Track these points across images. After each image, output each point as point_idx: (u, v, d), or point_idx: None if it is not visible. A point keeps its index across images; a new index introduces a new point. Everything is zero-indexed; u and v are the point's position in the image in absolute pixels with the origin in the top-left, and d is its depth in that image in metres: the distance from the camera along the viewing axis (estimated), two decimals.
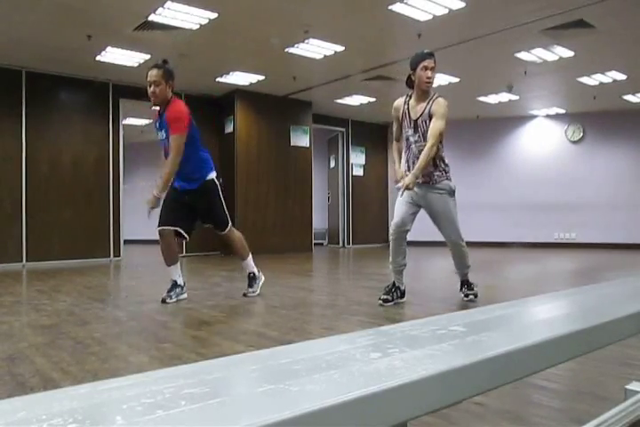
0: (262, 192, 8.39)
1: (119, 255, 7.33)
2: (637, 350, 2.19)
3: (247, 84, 7.70)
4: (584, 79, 7.37)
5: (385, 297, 3.35)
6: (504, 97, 8.52)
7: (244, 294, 3.78)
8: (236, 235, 3.79)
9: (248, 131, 8.27)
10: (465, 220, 12.07)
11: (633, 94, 8.24)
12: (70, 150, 6.95)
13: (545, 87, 8.02)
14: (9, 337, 2.57)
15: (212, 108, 8.37)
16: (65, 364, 2.10)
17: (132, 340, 2.55)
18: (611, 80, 7.38)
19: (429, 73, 3.29)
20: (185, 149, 3.36)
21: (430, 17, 5.11)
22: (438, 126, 3.24)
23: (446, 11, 4.97)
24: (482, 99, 8.65)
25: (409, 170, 3.40)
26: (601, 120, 9.53)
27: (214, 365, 0.63)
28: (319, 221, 10.28)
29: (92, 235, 7.07)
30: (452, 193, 3.44)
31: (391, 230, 3.42)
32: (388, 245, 3.48)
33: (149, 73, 3.37)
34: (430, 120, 3.30)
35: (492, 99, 8.65)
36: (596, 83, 7.51)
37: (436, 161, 3.35)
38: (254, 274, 3.84)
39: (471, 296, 3.57)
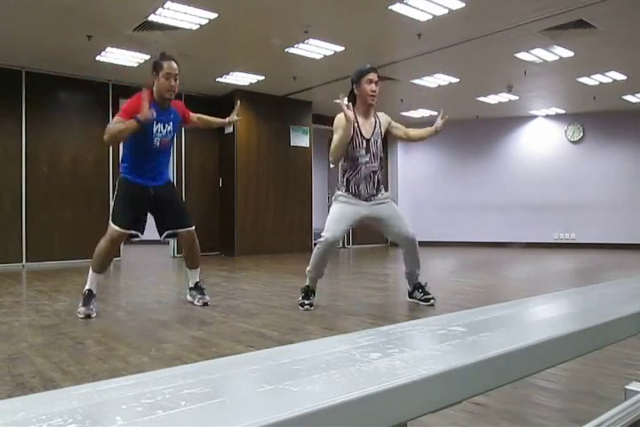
0: (262, 192, 8.38)
1: (119, 256, 7.33)
2: (637, 350, 2.19)
3: (247, 84, 7.70)
4: (584, 79, 7.37)
5: (308, 302, 3.37)
6: (504, 97, 8.52)
7: (205, 303, 3.49)
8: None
9: (248, 131, 8.26)
10: (465, 220, 12.04)
11: (633, 94, 8.24)
12: (70, 150, 6.95)
13: (545, 87, 8.02)
14: (9, 337, 2.57)
15: (212, 108, 8.36)
16: (65, 364, 2.09)
17: (132, 340, 2.55)
18: (611, 80, 7.38)
19: (374, 86, 3.22)
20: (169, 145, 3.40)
21: (430, 17, 5.11)
22: (412, 131, 3.52)
23: (446, 11, 4.96)
24: (482, 99, 8.65)
25: (357, 194, 3.28)
26: (601, 120, 9.53)
27: (214, 365, 0.63)
28: (319, 221, 10.27)
29: (92, 235, 7.03)
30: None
31: (325, 245, 3.24)
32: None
33: (171, 65, 3.17)
34: (381, 140, 3.33)
35: (491, 99, 8.65)
36: (596, 83, 7.51)
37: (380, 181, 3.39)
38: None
39: (432, 300, 3.43)
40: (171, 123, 3.29)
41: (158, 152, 3.27)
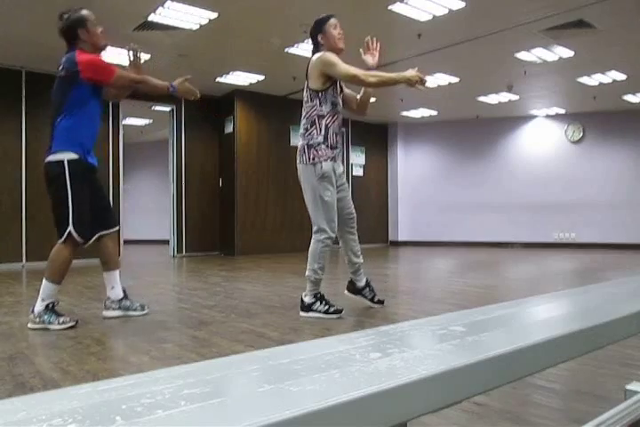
0: (262, 192, 8.39)
1: (119, 255, 7.33)
2: (637, 350, 2.19)
3: (247, 84, 7.71)
4: (584, 79, 7.37)
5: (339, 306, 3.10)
6: (504, 97, 8.52)
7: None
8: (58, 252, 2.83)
9: (248, 131, 8.27)
10: (465, 220, 12.04)
11: (633, 94, 8.24)
12: None
13: (545, 87, 8.02)
14: (9, 337, 2.57)
15: (212, 108, 8.37)
16: (65, 364, 2.09)
17: (132, 340, 2.55)
18: (611, 80, 7.38)
19: (339, 30, 3.10)
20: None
21: (430, 17, 5.11)
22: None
23: (446, 11, 4.97)
24: (482, 99, 8.65)
25: (335, 146, 3.03)
26: (601, 120, 9.53)
27: (214, 365, 0.63)
28: None
29: None
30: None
31: (331, 242, 3.04)
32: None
33: (91, 13, 3.07)
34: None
35: (492, 99, 8.66)
36: (596, 83, 7.51)
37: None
38: (52, 305, 2.77)
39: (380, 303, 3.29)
40: None
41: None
